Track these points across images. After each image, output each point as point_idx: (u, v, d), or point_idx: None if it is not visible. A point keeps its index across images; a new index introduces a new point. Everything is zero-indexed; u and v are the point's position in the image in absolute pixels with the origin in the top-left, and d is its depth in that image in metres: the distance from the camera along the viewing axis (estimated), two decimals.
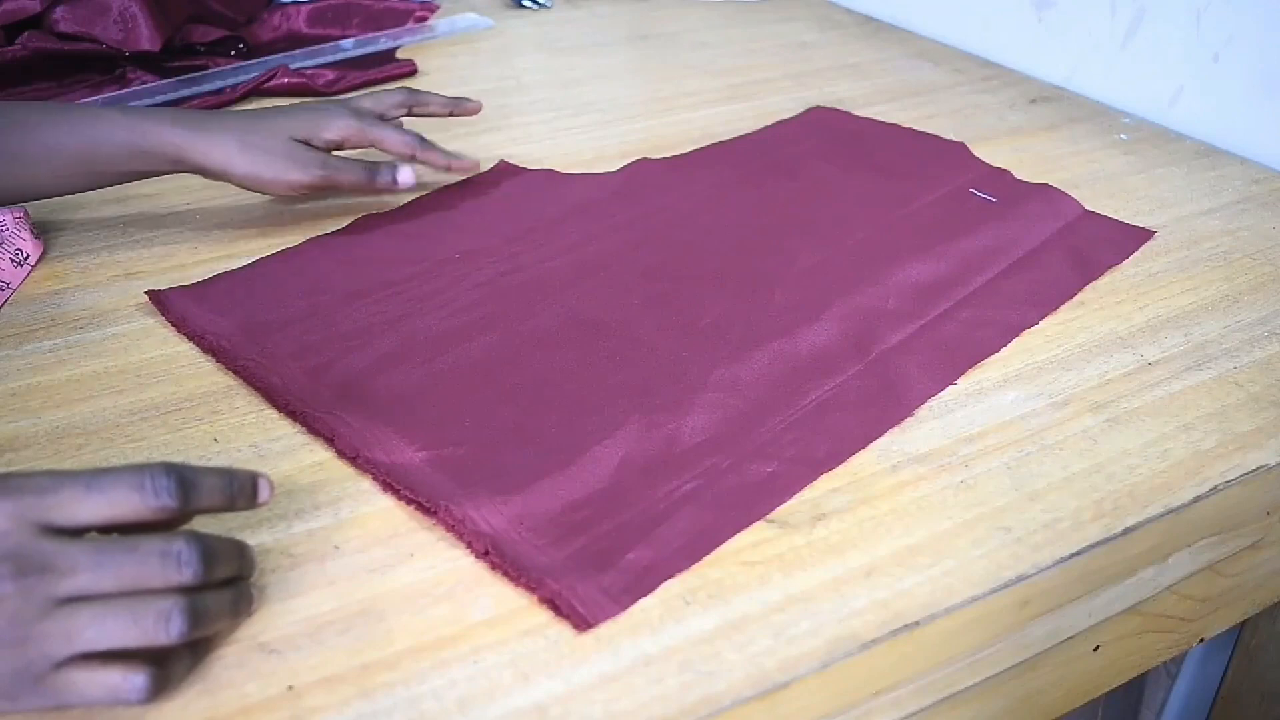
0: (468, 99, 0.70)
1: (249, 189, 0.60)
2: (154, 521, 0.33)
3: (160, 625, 0.32)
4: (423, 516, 0.41)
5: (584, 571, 0.38)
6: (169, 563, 0.32)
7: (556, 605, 0.37)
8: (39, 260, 0.59)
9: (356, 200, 0.66)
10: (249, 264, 0.59)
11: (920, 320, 0.53)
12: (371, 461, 0.44)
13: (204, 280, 0.57)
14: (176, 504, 0.33)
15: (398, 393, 0.48)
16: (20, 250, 0.58)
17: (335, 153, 0.63)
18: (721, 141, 0.76)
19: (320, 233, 0.63)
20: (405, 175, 0.63)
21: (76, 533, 0.32)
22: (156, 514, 0.33)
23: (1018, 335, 0.53)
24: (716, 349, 0.51)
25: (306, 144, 0.61)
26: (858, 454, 0.44)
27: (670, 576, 0.38)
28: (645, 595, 0.37)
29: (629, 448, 0.44)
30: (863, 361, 0.50)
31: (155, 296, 0.55)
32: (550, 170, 0.71)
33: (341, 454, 0.45)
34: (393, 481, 0.43)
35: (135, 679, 0.32)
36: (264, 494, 0.36)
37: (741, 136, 0.77)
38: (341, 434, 0.45)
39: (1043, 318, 0.54)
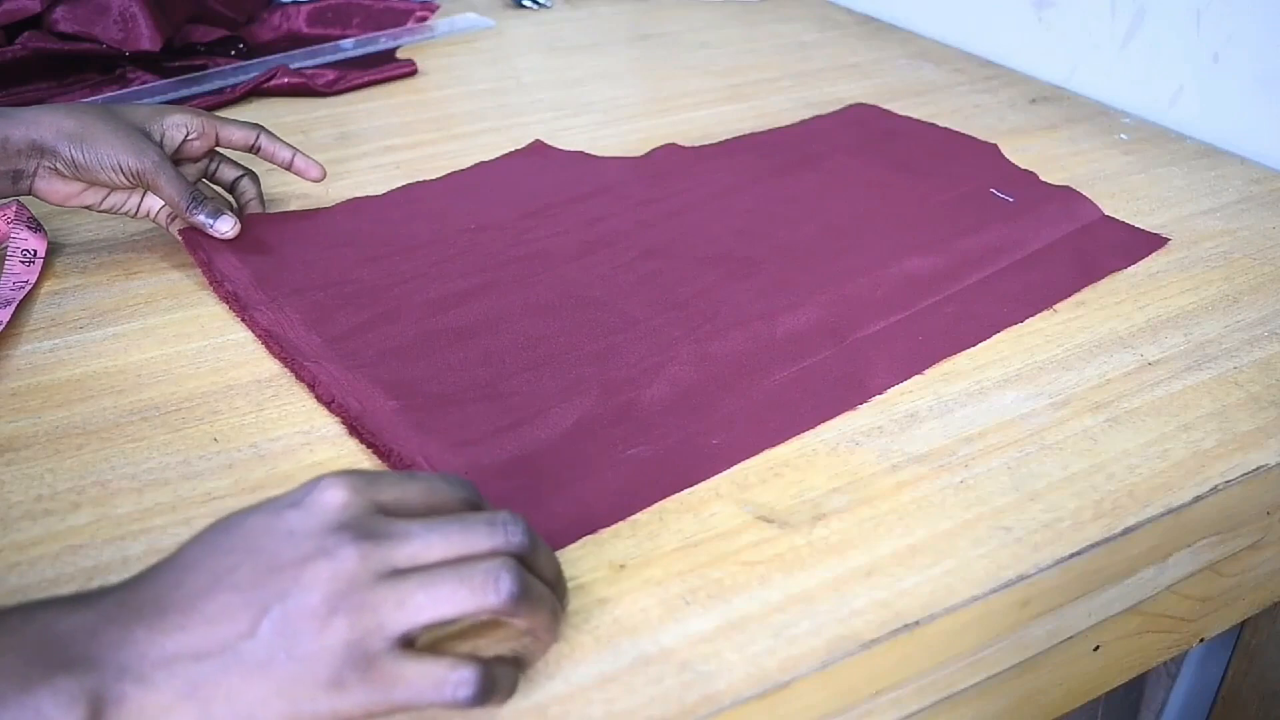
0: (315, 163, 0.63)
1: (73, 171, 0.54)
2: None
3: (490, 585, 0.31)
4: None
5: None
6: (495, 530, 0.33)
7: None
8: (46, 252, 0.59)
9: (388, 174, 0.66)
10: (281, 214, 0.63)
11: (905, 311, 0.54)
12: (344, 408, 0.46)
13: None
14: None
15: (386, 349, 0.51)
16: (27, 250, 0.58)
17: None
18: (755, 133, 0.76)
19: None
20: (223, 225, 0.57)
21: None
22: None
23: (998, 331, 0.53)
24: (696, 325, 0.53)
25: (147, 135, 0.57)
26: (857, 454, 0.44)
27: (592, 531, 0.40)
28: (565, 545, 0.39)
29: (586, 411, 0.46)
30: (835, 347, 0.51)
31: (187, 235, 0.58)
32: (580, 152, 0.73)
33: (319, 399, 0.47)
34: (358, 427, 0.45)
35: (464, 672, 0.30)
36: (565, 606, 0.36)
37: (777, 129, 0.77)
38: (322, 381, 0.48)
39: (1028, 316, 0.54)
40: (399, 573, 0.31)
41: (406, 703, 0.30)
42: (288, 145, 0.63)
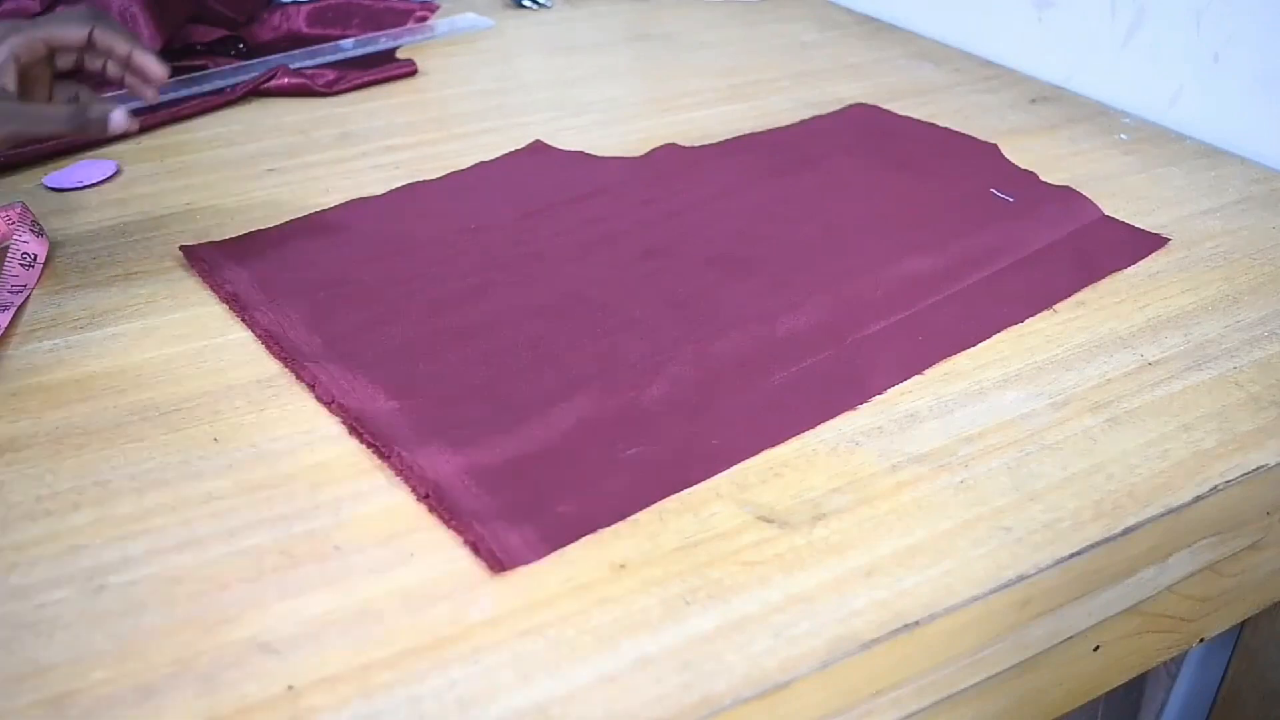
0: (154, 60, 0.57)
1: None
2: None
3: None
4: (423, 517, 0.41)
5: (512, 519, 0.40)
6: None
7: (477, 548, 0.39)
8: (46, 257, 0.59)
9: (388, 174, 0.66)
10: (283, 224, 0.63)
11: (906, 311, 0.54)
12: (344, 408, 0.47)
13: (236, 237, 0.62)
14: None
15: (386, 349, 0.51)
16: (27, 254, 0.58)
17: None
18: (755, 133, 0.76)
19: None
20: (118, 119, 0.53)
21: None
22: None
23: (999, 331, 0.53)
24: (696, 326, 0.52)
25: None
26: (857, 454, 0.44)
27: (592, 531, 0.40)
28: (564, 545, 0.39)
29: (586, 411, 0.46)
30: (836, 347, 0.51)
31: (187, 251, 0.60)
32: (580, 152, 0.73)
33: (319, 399, 0.47)
34: (357, 426, 0.45)
35: None
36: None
37: (777, 129, 0.77)
38: (322, 382, 0.48)
39: (1029, 316, 0.54)
40: None
41: None
42: (126, 37, 0.56)
